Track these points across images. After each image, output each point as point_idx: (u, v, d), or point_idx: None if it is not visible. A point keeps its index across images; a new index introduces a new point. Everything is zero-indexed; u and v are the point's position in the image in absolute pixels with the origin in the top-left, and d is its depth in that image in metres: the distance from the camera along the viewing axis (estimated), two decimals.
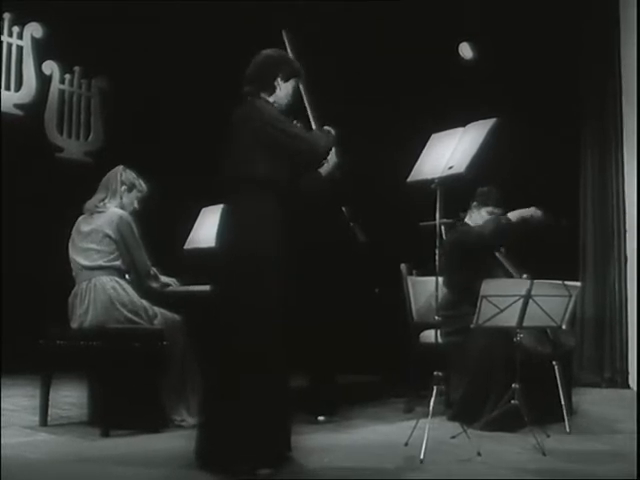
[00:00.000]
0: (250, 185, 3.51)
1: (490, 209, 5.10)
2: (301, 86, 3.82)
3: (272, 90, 3.67)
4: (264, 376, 3.39)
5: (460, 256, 5.00)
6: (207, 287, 4.32)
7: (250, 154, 3.52)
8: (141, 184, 4.80)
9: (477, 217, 5.15)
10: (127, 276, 4.65)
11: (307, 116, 3.85)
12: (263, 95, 3.65)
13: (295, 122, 3.72)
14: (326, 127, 3.78)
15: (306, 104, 3.86)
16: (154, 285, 4.70)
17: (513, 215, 4.93)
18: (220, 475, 3.34)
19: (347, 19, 7.20)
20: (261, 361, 3.38)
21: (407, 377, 5.27)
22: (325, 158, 3.76)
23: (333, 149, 3.79)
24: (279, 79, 3.67)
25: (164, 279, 4.77)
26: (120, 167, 4.78)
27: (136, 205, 4.79)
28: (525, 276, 4.80)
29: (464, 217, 5.21)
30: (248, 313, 3.41)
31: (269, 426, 3.39)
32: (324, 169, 3.79)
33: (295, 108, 3.80)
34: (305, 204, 3.97)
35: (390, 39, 7.23)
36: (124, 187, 4.71)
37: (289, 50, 3.89)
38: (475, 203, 5.16)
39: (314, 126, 3.80)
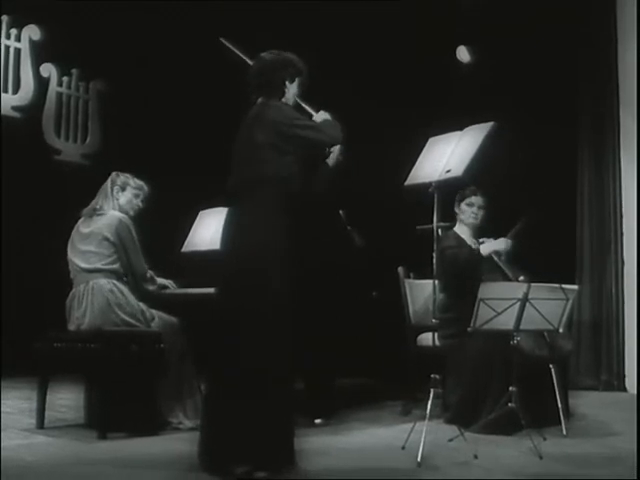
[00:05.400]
0: (258, 185, 3.47)
1: (468, 200, 5.19)
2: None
3: (282, 94, 3.65)
4: (267, 380, 3.37)
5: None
6: (205, 290, 4.33)
7: (261, 154, 3.48)
8: (136, 182, 4.78)
9: (460, 214, 5.24)
10: (125, 279, 4.65)
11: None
12: (273, 100, 3.61)
13: None
14: (321, 112, 3.70)
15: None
16: (150, 288, 4.70)
17: (484, 249, 5.01)
18: (218, 477, 3.33)
19: (344, 21, 7.21)
20: (265, 365, 3.37)
21: (404, 380, 5.27)
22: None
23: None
24: (287, 82, 3.66)
25: (161, 281, 4.78)
26: (113, 174, 4.79)
27: (139, 203, 4.78)
28: (522, 278, 4.82)
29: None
30: (253, 315, 3.39)
31: (270, 429, 3.37)
32: (331, 160, 3.74)
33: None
34: (307, 204, 3.92)
35: (385, 42, 7.24)
36: (116, 187, 4.71)
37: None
38: (456, 203, 5.24)
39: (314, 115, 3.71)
